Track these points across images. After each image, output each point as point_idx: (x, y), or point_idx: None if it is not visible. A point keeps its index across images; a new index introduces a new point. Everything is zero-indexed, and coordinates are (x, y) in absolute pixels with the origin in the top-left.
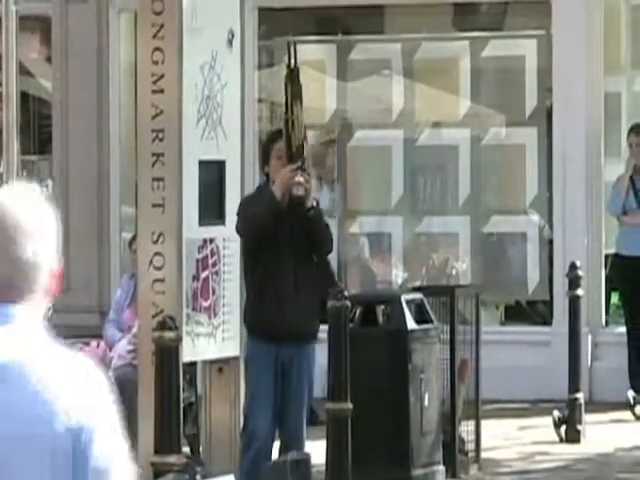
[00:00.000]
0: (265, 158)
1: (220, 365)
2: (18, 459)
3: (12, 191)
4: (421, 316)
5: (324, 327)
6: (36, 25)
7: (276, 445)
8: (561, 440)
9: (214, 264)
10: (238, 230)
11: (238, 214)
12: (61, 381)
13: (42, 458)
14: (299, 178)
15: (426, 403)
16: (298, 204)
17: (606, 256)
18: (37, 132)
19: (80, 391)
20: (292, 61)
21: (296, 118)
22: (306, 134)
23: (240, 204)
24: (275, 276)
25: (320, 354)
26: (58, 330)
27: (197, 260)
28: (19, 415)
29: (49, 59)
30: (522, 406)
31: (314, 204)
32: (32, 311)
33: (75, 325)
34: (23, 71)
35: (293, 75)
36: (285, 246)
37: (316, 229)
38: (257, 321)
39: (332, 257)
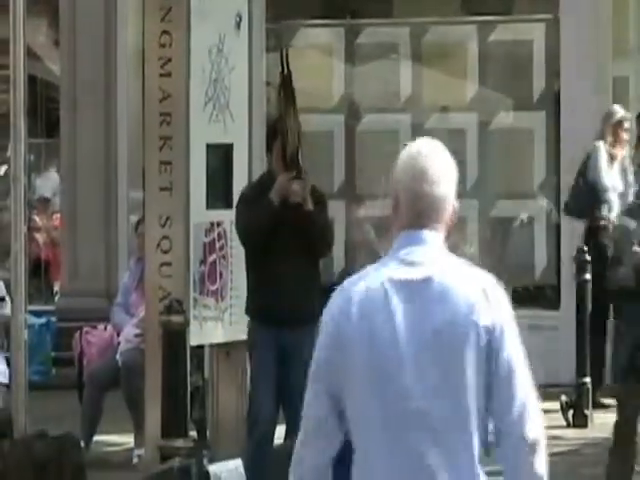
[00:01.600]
0: (269, 147)
1: (227, 349)
2: (450, 350)
3: (422, 144)
4: None
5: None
6: (44, 8)
7: (282, 429)
8: (568, 425)
9: (221, 247)
10: (237, 232)
11: (237, 207)
12: (471, 290)
13: (468, 349)
14: (295, 187)
15: None
16: (296, 207)
17: None
18: (45, 116)
19: (488, 298)
20: (285, 67)
21: (290, 125)
22: (301, 140)
23: (240, 196)
24: (275, 262)
25: None
26: (66, 313)
27: (204, 244)
28: (446, 318)
29: (57, 42)
30: None
31: (311, 208)
32: (439, 236)
33: (83, 309)
34: (31, 54)
35: (286, 81)
36: (286, 234)
37: (311, 233)
38: (258, 307)
39: (339, 241)
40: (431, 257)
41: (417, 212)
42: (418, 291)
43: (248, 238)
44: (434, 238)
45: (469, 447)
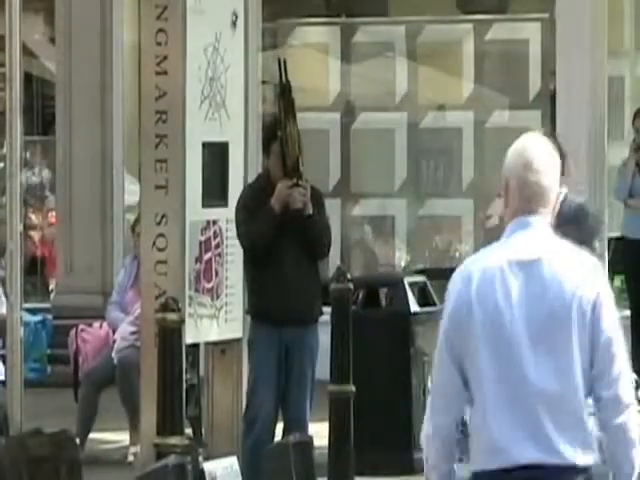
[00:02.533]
0: (266, 149)
1: (223, 347)
2: (562, 325)
3: (529, 139)
4: (424, 299)
5: (327, 310)
6: (40, 5)
7: (279, 428)
8: None
9: (217, 246)
10: (240, 240)
11: (238, 214)
12: (577, 269)
13: (576, 323)
14: (295, 194)
15: (429, 386)
16: (297, 210)
17: (609, 239)
18: (40, 113)
19: (590, 275)
20: (283, 76)
21: (289, 134)
22: (301, 147)
23: (240, 202)
24: (276, 264)
25: (323, 337)
26: (61, 311)
27: (200, 242)
28: (557, 295)
29: (52, 40)
30: None
31: (310, 212)
32: (545, 221)
33: (78, 306)
34: (26, 52)
35: (285, 91)
36: (287, 237)
37: (311, 235)
38: (259, 307)
39: (335, 240)
40: (540, 240)
41: (526, 199)
42: (530, 271)
43: (253, 248)
44: (541, 223)
45: (580, 412)
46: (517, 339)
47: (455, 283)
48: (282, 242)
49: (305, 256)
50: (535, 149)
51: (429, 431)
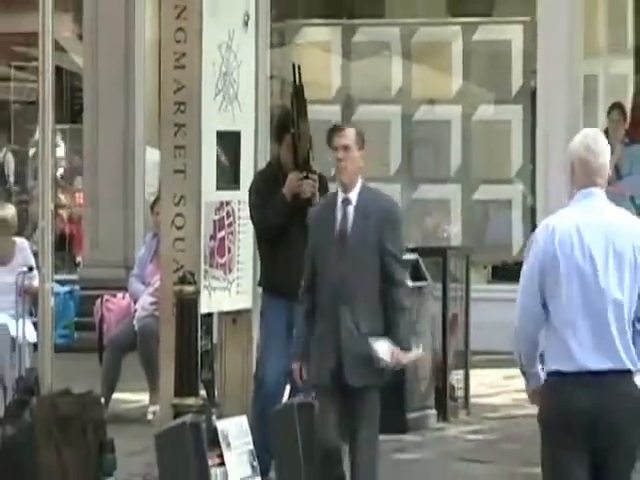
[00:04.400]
0: (278, 138)
1: (234, 316)
2: (623, 262)
3: (588, 130)
4: (416, 274)
5: None
6: (69, 5)
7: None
8: None
9: (230, 225)
10: (253, 224)
11: (251, 198)
12: (629, 225)
13: (630, 262)
14: (305, 186)
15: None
16: (306, 200)
17: None
18: (70, 103)
19: (638, 229)
20: (297, 80)
21: (302, 132)
22: (312, 143)
23: (253, 186)
24: (287, 243)
25: None
26: (88, 282)
27: (214, 221)
28: (618, 242)
29: (80, 37)
30: (507, 357)
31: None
32: (602, 191)
33: (103, 278)
34: (57, 47)
35: (298, 93)
36: (296, 222)
37: None
38: (271, 283)
39: None
40: (600, 205)
41: (588, 175)
42: (597, 226)
43: (264, 232)
44: (600, 192)
45: (627, 320)
46: (591, 270)
47: (541, 235)
48: (292, 226)
49: None
50: (593, 137)
51: (519, 339)
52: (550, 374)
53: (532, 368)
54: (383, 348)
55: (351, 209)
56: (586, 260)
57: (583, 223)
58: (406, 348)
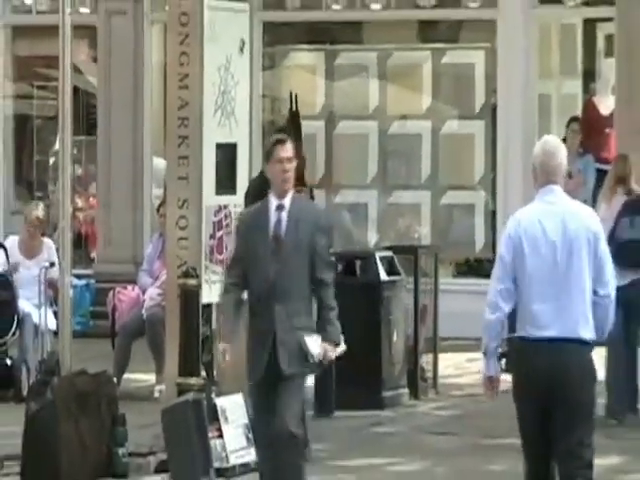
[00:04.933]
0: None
1: None
2: (579, 245)
3: (548, 138)
4: (391, 270)
5: None
6: (85, 33)
7: None
8: (501, 370)
9: (227, 225)
10: None
11: (245, 199)
12: (584, 214)
13: (585, 245)
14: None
15: (394, 339)
16: None
17: None
18: (85, 118)
19: (592, 218)
20: (293, 106)
21: (297, 152)
22: (305, 161)
23: (247, 189)
24: None
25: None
26: (102, 276)
27: (214, 222)
28: (574, 228)
29: (95, 60)
30: (470, 343)
31: None
32: (560, 188)
33: (115, 273)
34: (75, 70)
35: (294, 117)
36: None
37: None
38: None
39: None
40: (558, 198)
41: (547, 174)
42: (555, 215)
43: None
44: (558, 188)
45: (585, 292)
46: (551, 252)
47: (511, 225)
48: None
49: None
50: (552, 144)
51: (490, 317)
52: (518, 339)
53: (494, 342)
54: (314, 343)
55: (284, 214)
56: (548, 244)
57: (544, 214)
58: (335, 343)
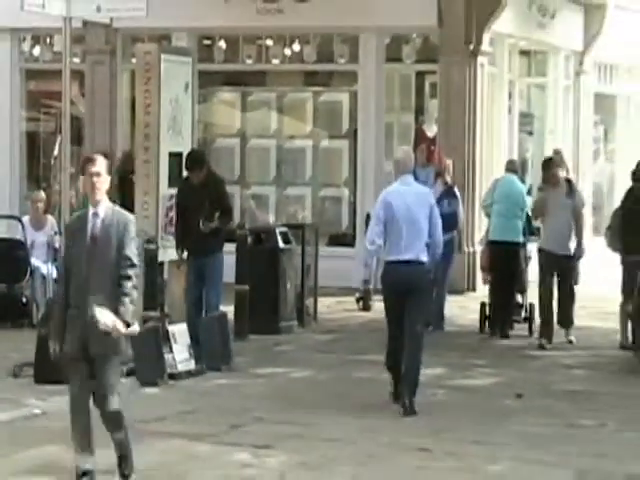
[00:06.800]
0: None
1: (177, 263)
2: (423, 210)
3: (404, 148)
4: (286, 240)
5: (233, 246)
6: (76, 76)
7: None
8: (360, 309)
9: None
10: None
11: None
12: (424, 191)
13: (425, 211)
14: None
15: (288, 287)
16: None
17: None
18: (76, 134)
19: (429, 194)
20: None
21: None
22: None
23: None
24: (192, 221)
25: (232, 259)
26: None
27: (167, 206)
28: (420, 200)
29: (83, 95)
30: (339, 290)
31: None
32: (412, 176)
33: None
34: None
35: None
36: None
37: (223, 213)
38: (186, 244)
39: (236, 208)
40: (411, 182)
41: (403, 168)
42: (409, 191)
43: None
44: (410, 177)
45: (424, 235)
46: (407, 212)
47: (382, 197)
48: (195, 213)
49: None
50: (405, 150)
51: (370, 247)
52: (387, 262)
53: (370, 260)
54: (104, 317)
55: (99, 221)
56: (406, 207)
57: (403, 190)
58: (126, 323)
